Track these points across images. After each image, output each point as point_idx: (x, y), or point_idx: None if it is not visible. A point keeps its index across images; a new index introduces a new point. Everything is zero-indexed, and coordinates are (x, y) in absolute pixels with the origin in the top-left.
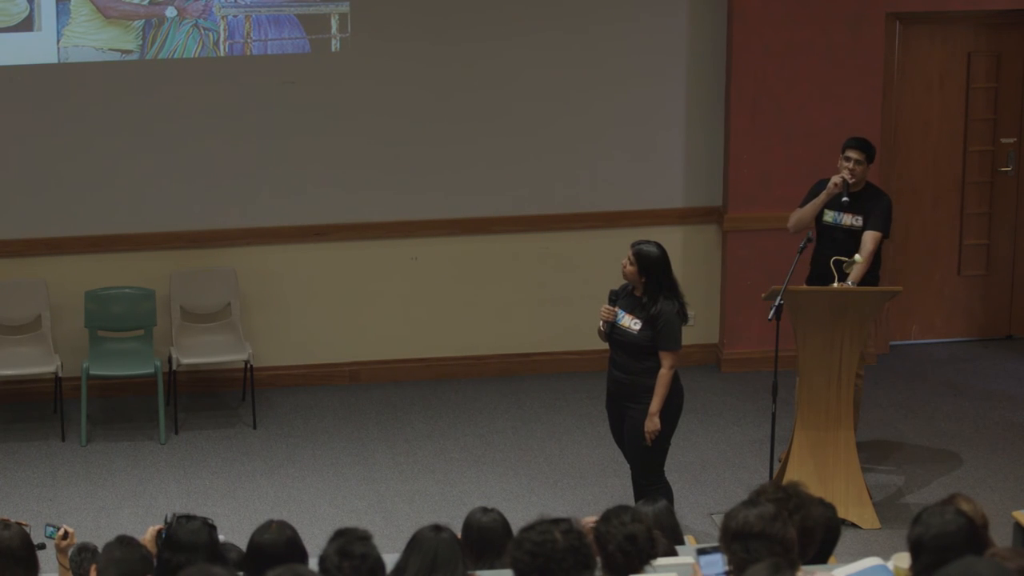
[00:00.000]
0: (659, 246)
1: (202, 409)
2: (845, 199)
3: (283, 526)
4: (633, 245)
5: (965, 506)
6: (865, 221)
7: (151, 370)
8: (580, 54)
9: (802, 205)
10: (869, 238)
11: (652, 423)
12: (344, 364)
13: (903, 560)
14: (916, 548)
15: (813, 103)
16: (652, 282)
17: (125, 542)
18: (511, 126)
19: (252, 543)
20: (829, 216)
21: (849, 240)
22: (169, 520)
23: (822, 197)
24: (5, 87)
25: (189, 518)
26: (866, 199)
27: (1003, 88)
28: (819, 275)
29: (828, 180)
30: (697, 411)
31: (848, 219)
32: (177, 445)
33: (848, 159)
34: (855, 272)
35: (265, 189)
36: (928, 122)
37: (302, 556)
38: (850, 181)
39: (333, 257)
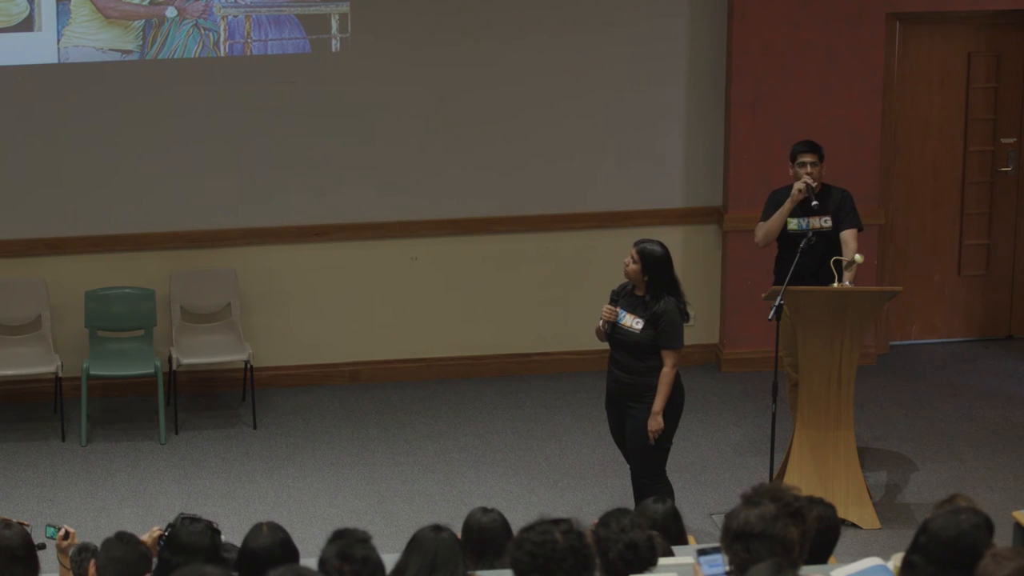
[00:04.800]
0: (662, 245)
1: (202, 409)
2: (815, 203)
3: (274, 529)
4: (636, 243)
5: (964, 506)
6: (836, 221)
7: (151, 370)
8: (580, 54)
9: (764, 217)
10: (851, 237)
11: (656, 422)
12: (344, 364)
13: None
14: (925, 548)
15: (813, 103)
16: (654, 281)
17: (125, 539)
18: (511, 126)
19: (247, 549)
20: (793, 224)
21: (822, 242)
22: (174, 521)
23: (787, 205)
24: (5, 87)
25: (194, 520)
26: (830, 199)
27: (1003, 88)
28: (802, 280)
29: (783, 189)
30: (697, 411)
31: (817, 222)
32: (177, 445)
33: (803, 164)
34: (852, 271)
35: (265, 189)
36: (928, 122)
37: (295, 557)
38: (813, 185)
39: (333, 257)
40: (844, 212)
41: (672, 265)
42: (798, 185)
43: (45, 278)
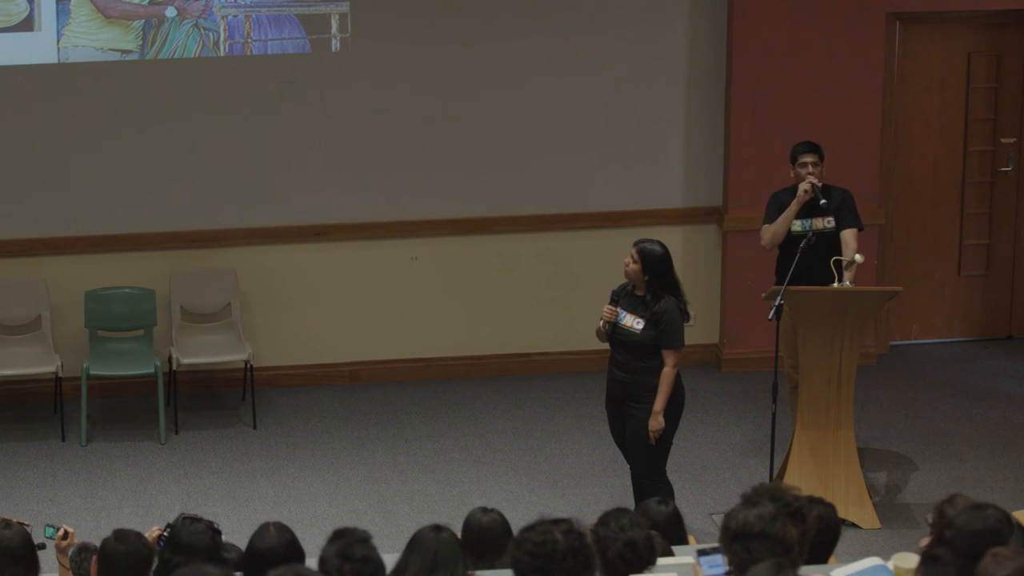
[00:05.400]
0: (662, 245)
1: (202, 409)
2: (823, 202)
3: (281, 529)
4: (636, 243)
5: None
6: (837, 221)
7: (151, 370)
8: (580, 54)
9: (767, 220)
10: (851, 236)
11: (656, 421)
12: (344, 364)
13: (903, 560)
14: (952, 541)
15: (813, 103)
16: (655, 280)
17: (123, 540)
18: (511, 126)
19: (252, 549)
20: (797, 225)
21: (824, 243)
22: (175, 521)
23: (793, 207)
24: (5, 87)
25: (195, 520)
26: (830, 199)
27: (1003, 88)
28: (803, 280)
29: (784, 192)
30: (697, 411)
31: (820, 223)
32: (177, 445)
33: (805, 164)
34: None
35: (265, 189)
36: (928, 122)
37: (301, 558)
38: (819, 185)
39: (333, 257)
40: (845, 212)
41: (672, 264)
42: (804, 186)
43: (45, 278)
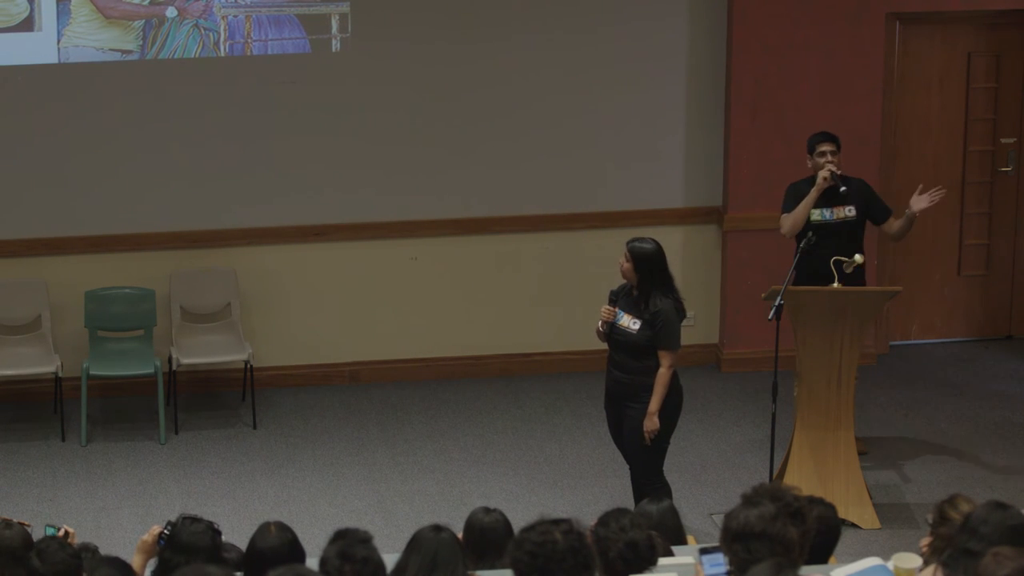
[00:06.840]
0: (654, 242)
1: (202, 409)
2: (843, 189)
3: (282, 529)
4: (628, 243)
5: (965, 506)
6: (864, 211)
7: (151, 370)
8: (580, 54)
9: (786, 209)
10: (895, 221)
11: (651, 422)
12: (344, 364)
13: (903, 560)
14: (988, 536)
15: (813, 103)
16: (645, 278)
17: (46, 559)
18: (511, 126)
19: (254, 548)
20: (817, 214)
21: (844, 232)
22: (175, 521)
23: (813, 194)
24: (5, 87)
25: (195, 520)
26: (850, 188)
27: (1003, 88)
28: (817, 274)
29: (802, 182)
30: (697, 411)
31: (841, 212)
32: (177, 445)
33: (823, 153)
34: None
35: (265, 189)
36: (928, 122)
37: (301, 558)
38: (838, 172)
39: (333, 257)
40: (873, 202)
41: (664, 261)
42: (823, 174)
43: (45, 278)
